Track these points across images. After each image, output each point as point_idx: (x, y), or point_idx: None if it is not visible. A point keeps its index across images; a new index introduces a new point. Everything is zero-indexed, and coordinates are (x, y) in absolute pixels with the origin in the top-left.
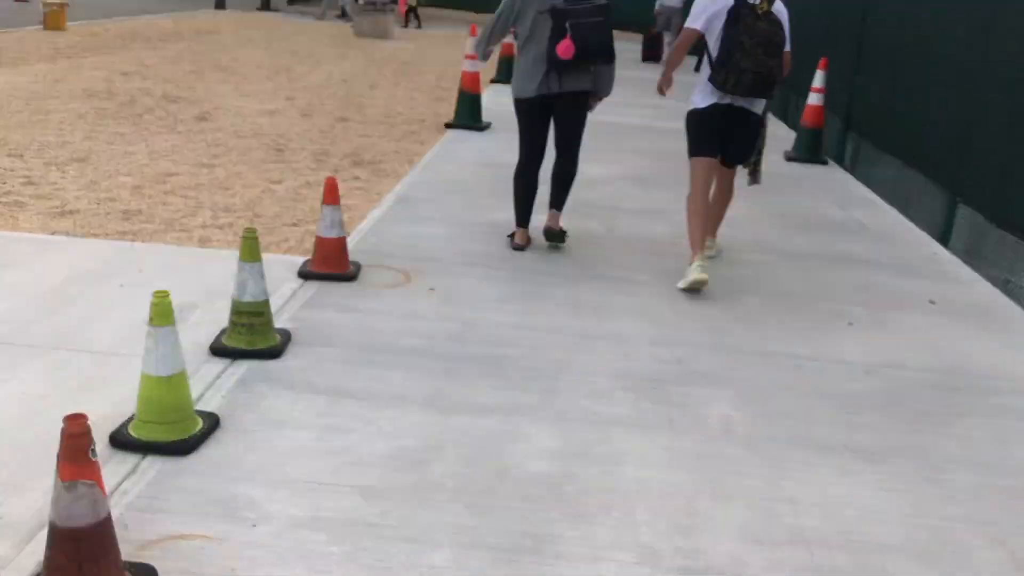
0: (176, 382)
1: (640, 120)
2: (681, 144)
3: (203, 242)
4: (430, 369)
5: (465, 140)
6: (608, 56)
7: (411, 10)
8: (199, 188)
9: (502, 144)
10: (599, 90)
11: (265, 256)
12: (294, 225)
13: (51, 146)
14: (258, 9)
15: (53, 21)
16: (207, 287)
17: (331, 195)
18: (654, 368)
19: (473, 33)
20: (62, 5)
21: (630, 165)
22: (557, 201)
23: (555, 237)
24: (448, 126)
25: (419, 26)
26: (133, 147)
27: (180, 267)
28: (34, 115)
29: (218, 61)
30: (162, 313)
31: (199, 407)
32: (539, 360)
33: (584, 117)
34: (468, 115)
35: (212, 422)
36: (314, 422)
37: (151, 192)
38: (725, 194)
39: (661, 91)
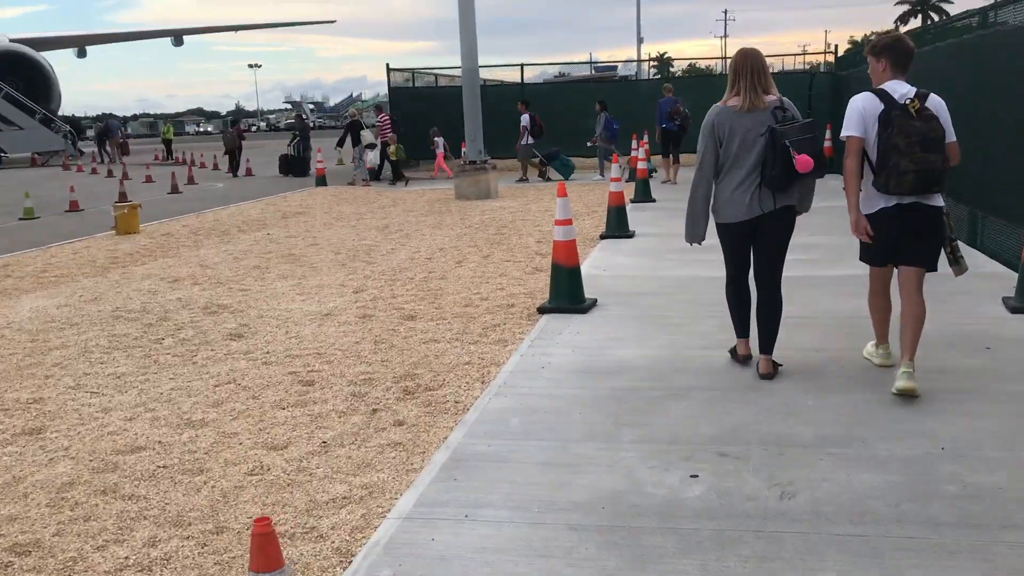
0: None
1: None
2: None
3: None
4: None
5: (561, 331)
6: (823, 170)
7: None
8: (158, 475)
9: (610, 331)
10: (801, 207)
11: None
12: None
13: (14, 411)
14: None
15: (124, 225)
16: None
17: (262, 557)
18: None
19: (562, 193)
20: (133, 207)
21: (793, 349)
22: (766, 344)
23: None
24: (541, 311)
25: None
26: (121, 395)
27: None
28: (28, 357)
29: (292, 249)
30: None
31: None
32: None
33: (791, 232)
34: (565, 294)
35: None
36: None
37: (81, 494)
38: (915, 306)
39: (866, 235)
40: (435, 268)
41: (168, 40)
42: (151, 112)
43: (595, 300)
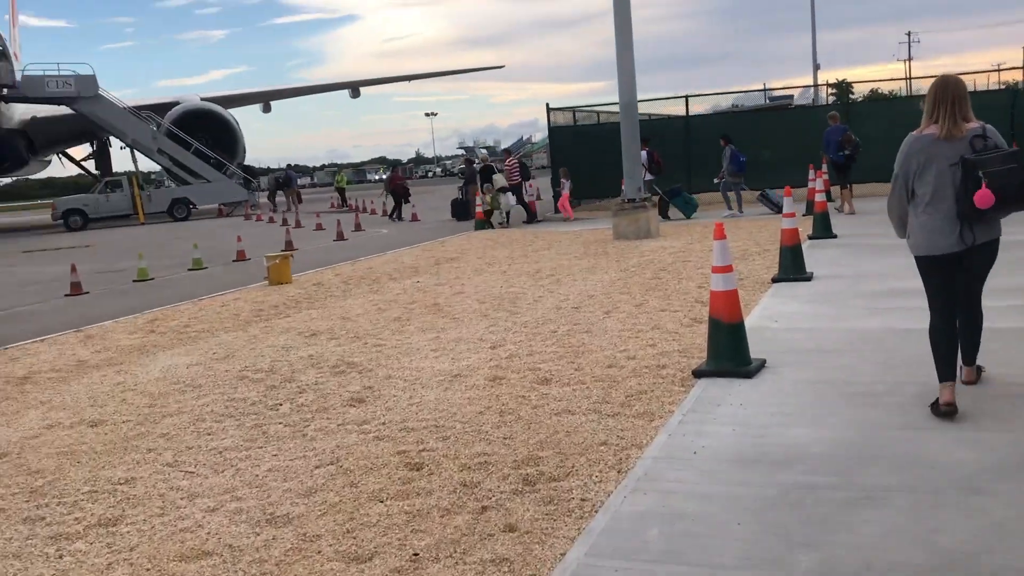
0: None
1: (1009, 319)
2: None
3: None
4: None
5: (720, 402)
6: (1013, 207)
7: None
8: None
9: (781, 403)
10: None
11: None
12: None
13: (101, 493)
14: (524, 222)
15: (276, 275)
16: None
17: None
18: None
19: (719, 234)
20: (285, 258)
21: (1021, 431)
22: (970, 356)
23: None
24: (697, 374)
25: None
26: (216, 476)
27: None
28: (140, 426)
29: (437, 298)
30: None
31: None
32: None
33: (993, 263)
34: (726, 354)
35: None
36: None
37: None
38: None
39: None
40: (581, 319)
41: (347, 93)
42: (338, 162)
43: (763, 361)
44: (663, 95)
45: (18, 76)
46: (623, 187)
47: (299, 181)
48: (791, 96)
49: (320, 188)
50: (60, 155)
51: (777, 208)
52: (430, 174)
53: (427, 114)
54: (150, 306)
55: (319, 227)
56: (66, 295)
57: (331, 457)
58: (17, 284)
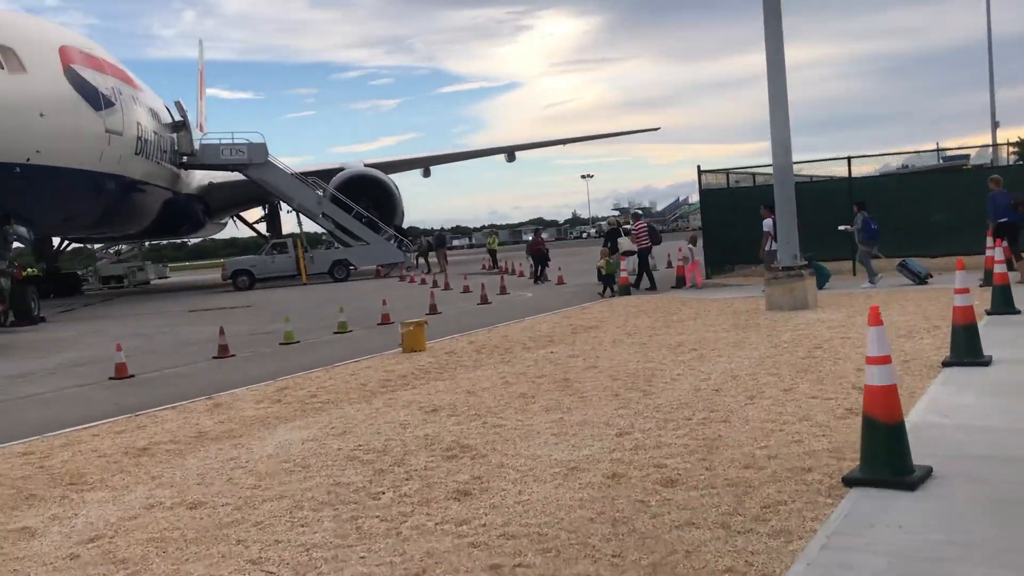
0: None
1: None
2: None
3: None
4: None
5: (874, 522)
6: None
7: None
8: None
9: (950, 528)
10: None
11: None
12: None
13: None
14: (672, 288)
15: (410, 343)
16: None
17: None
18: None
19: (875, 320)
20: (419, 325)
21: None
22: None
23: None
24: (848, 482)
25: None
26: None
27: None
28: (237, 511)
29: (568, 372)
30: None
31: None
32: None
33: None
34: (883, 460)
35: None
36: None
37: None
38: None
39: None
40: (720, 405)
41: (504, 157)
42: (497, 223)
43: (929, 469)
44: (826, 156)
45: (197, 145)
46: (767, 249)
47: (455, 242)
48: (967, 155)
49: (477, 248)
50: (235, 218)
51: (919, 279)
52: (584, 235)
53: (583, 176)
54: (286, 372)
55: (466, 289)
56: (213, 357)
57: (418, 567)
58: (175, 344)
